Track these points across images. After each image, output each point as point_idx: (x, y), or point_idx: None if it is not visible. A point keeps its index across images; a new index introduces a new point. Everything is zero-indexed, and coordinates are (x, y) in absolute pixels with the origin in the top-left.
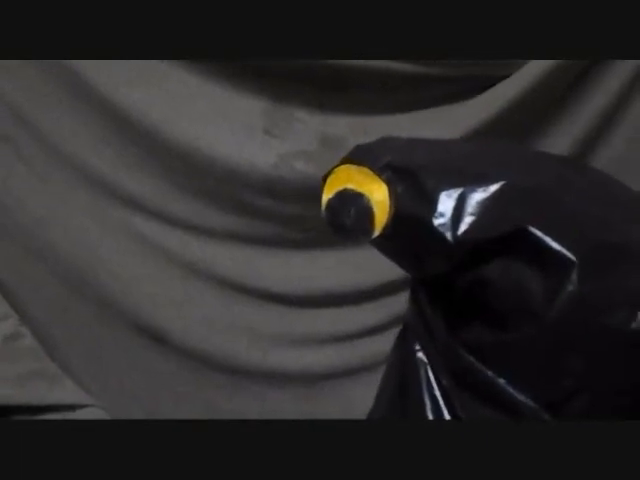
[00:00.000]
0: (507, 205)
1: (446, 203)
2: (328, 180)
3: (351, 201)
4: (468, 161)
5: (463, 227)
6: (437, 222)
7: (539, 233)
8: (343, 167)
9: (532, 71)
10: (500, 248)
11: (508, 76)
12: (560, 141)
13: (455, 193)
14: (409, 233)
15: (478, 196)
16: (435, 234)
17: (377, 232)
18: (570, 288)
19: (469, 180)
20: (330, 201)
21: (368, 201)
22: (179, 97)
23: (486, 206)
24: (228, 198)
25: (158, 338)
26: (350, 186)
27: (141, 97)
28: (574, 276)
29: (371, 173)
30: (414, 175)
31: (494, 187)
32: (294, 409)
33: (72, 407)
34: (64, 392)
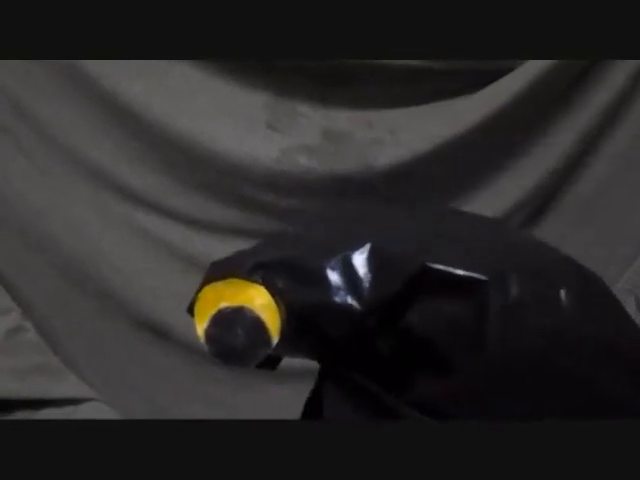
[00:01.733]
0: (394, 254)
1: (335, 275)
2: (196, 308)
3: (232, 320)
4: (330, 232)
5: (364, 290)
6: (337, 298)
7: (440, 266)
8: (207, 288)
9: (536, 66)
10: (408, 295)
11: (511, 70)
12: (563, 137)
13: (338, 262)
14: (310, 323)
15: (360, 257)
16: (340, 310)
17: (276, 338)
18: (494, 306)
19: (343, 247)
20: (208, 331)
21: (251, 311)
22: (181, 90)
23: (373, 262)
24: (230, 192)
25: (160, 332)
26: (224, 304)
27: (142, 90)
28: (493, 293)
29: (241, 281)
30: (289, 264)
31: (368, 245)
32: (296, 404)
33: (74, 401)
34: (67, 386)
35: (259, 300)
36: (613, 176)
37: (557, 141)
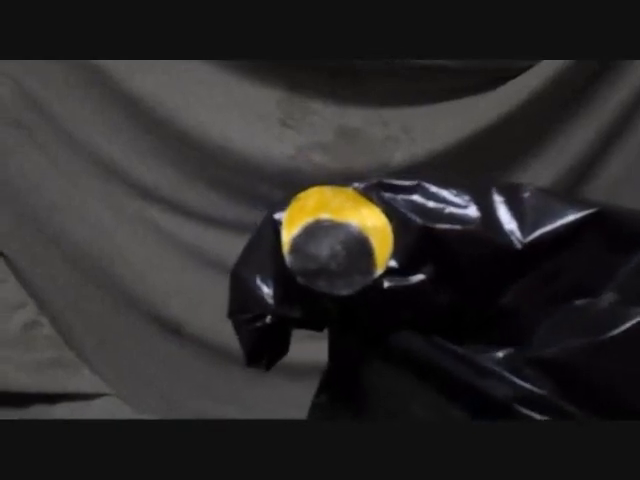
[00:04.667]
0: (561, 197)
1: (500, 206)
2: (289, 211)
3: (330, 235)
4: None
5: (529, 229)
6: (507, 227)
7: (615, 212)
8: (313, 190)
9: (552, 64)
10: (569, 237)
11: (528, 69)
12: (579, 136)
13: (500, 193)
14: (445, 254)
15: (527, 194)
16: (502, 242)
17: (380, 270)
18: None
19: (493, 184)
20: (295, 239)
21: (359, 231)
22: (194, 86)
23: (537, 200)
24: (242, 189)
25: (172, 328)
26: (325, 215)
27: (156, 86)
28: None
29: (356, 195)
30: (427, 188)
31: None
32: (309, 401)
33: (89, 396)
34: (81, 380)
35: (372, 221)
36: (629, 174)
37: (573, 140)
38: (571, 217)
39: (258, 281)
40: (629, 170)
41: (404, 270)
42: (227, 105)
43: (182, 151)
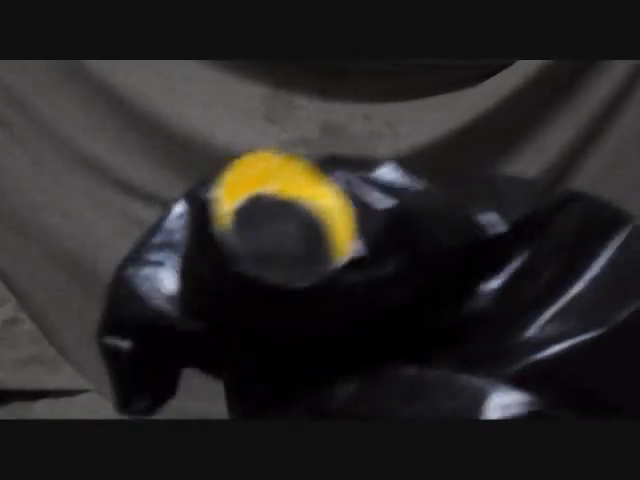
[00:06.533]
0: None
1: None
2: (228, 178)
3: (279, 213)
4: None
5: (510, 206)
6: (477, 208)
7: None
8: (256, 157)
9: (534, 61)
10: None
11: (512, 64)
12: (562, 132)
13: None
14: (417, 236)
15: (503, 178)
16: (475, 224)
17: (340, 260)
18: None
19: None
20: (239, 211)
21: (313, 211)
22: (178, 82)
23: (509, 188)
24: None
25: None
26: (272, 188)
27: (139, 82)
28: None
29: (310, 168)
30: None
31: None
32: None
33: (70, 392)
34: (63, 377)
35: (329, 201)
36: (609, 171)
37: (552, 138)
38: (546, 204)
39: (153, 281)
40: (608, 169)
41: (368, 261)
42: (211, 101)
43: (167, 148)
